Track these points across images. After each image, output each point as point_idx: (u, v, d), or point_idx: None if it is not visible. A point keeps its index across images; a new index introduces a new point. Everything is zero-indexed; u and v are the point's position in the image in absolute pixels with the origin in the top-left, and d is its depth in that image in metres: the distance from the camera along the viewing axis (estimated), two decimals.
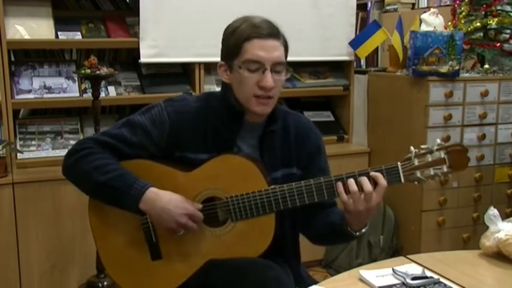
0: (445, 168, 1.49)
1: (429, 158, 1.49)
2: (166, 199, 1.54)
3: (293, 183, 1.54)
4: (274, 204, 1.54)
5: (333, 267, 3.18)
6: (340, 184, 1.50)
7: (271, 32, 1.57)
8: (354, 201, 1.48)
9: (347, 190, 1.48)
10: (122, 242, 1.64)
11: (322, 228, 1.67)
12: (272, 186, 1.55)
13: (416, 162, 1.50)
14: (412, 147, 1.51)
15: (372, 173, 1.49)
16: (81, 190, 1.63)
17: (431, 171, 1.49)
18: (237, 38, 1.56)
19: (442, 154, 1.49)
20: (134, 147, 1.62)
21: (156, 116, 1.62)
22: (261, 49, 1.54)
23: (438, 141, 1.52)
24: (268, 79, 1.54)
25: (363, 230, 1.57)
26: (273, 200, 1.54)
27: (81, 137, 2.92)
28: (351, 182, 1.48)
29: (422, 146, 1.51)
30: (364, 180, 1.48)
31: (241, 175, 1.58)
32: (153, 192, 1.55)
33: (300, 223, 1.72)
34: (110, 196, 1.57)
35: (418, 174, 1.50)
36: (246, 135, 1.65)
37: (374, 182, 1.48)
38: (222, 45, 1.63)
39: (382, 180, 1.48)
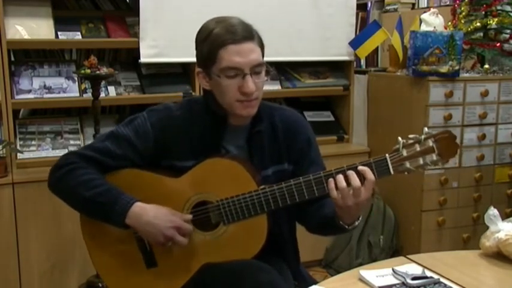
0: (434, 157, 1.47)
1: (417, 147, 1.47)
2: (152, 213, 1.54)
3: (283, 183, 1.53)
4: (265, 204, 1.54)
5: (333, 267, 3.18)
6: (331, 181, 1.48)
7: (245, 35, 1.53)
8: (343, 196, 1.46)
9: (336, 186, 1.47)
10: (116, 252, 1.64)
11: (316, 220, 1.66)
12: (262, 187, 1.55)
13: (404, 152, 1.48)
14: (399, 138, 1.49)
15: (360, 167, 1.47)
16: (68, 205, 1.63)
17: (421, 161, 1.47)
18: (211, 45, 1.53)
19: (431, 143, 1.47)
20: (119, 159, 1.61)
21: (139, 127, 1.62)
22: (237, 55, 1.52)
23: (426, 129, 1.49)
24: (250, 84, 1.53)
25: (356, 223, 1.56)
26: (264, 201, 1.53)
27: (81, 137, 2.93)
28: (340, 178, 1.47)
29: (410, 136, 1.49)
30: (353, 176, 1.46)
31: (230, 177, 1.57)
32: (138, 206, 1.54)
33: (296, 215, 1.72)
34: (96, 212, 1.57)
35: (408, 164, 1.48)
36: (232, 138, 1.65)
37: (363, 177, 1.46)
38: (197, 50, 1.60)
39: (370, 175, 1.46)
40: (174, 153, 1.62)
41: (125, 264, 1.63)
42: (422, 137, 1.48)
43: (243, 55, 1.52)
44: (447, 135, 1.49)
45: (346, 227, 1.55)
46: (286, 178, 1.55)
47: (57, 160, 1.64)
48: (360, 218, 1.57)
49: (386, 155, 1.49)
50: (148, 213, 1.54)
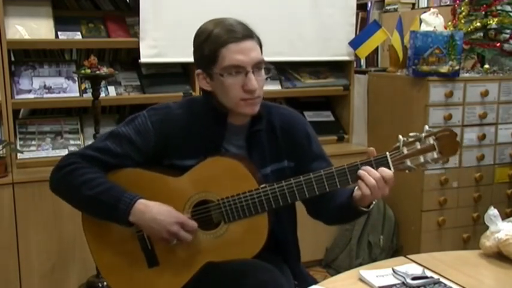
0: (435, 155, 1.48)
1: (418, 145, 1.48)
2: (156, 210, 1.54)
3: (283, 181, 1.54)
4: (265, 203, 1.54)
5: (333, 267, 3.18)
6: (361, 177, 1.48)
7: (245, 33, 1.55)
8: (373, 192, 1.47)
9: (366, 183, 1.47)
10: (118, 252, 1.64)
11: (331, 212, 1.66)
12: (262, 186, 1.55)
13: (405, 150, 1.48)
14: (400, 136, 1.50)
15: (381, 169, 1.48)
16: (71, 205, 1.63)
17: (421, 159, 1.48)
18: (211, 45, 1.54)
19: (431, 140, 1.48)
20: (120, 158, 1.61)
21: (140, 126, 1.62)
22: (238, 53, 1.53)
23: (427, 127, 1.50)
24: (253, 82, 1.54)
25: (374, 203, 1.55)
26: (264, 199, 1.54)
27: (81, 137, 2.92)
28: (367, 177, 1.47)
29: (411, 134, 1.50)
30: (373, 172, 1.47)
31: (230, 176, 1.57)
32: (142, 203, 1.54)
33: (310, 211, 1.73)
34: (99, 210, 1.58)
35: (408, 162, 1.48)
36: (231, 137, 1.65)
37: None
38: (196, 53, 1.61)
39: (388, 172, 1.48)
40: (175, 152, 1.62)
41: (127, 264, 1.63)
42: (423, 135, 1.48)
43: (244, 53, 1.53)
44: (448, 133, 1.49)
45: (366, 209, 1.55)
46: (286, 176, 1.56)
47: (58, 161, 1.64)
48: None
49: (387, 153, 1.50)
50: (152, 209, 1.54)
